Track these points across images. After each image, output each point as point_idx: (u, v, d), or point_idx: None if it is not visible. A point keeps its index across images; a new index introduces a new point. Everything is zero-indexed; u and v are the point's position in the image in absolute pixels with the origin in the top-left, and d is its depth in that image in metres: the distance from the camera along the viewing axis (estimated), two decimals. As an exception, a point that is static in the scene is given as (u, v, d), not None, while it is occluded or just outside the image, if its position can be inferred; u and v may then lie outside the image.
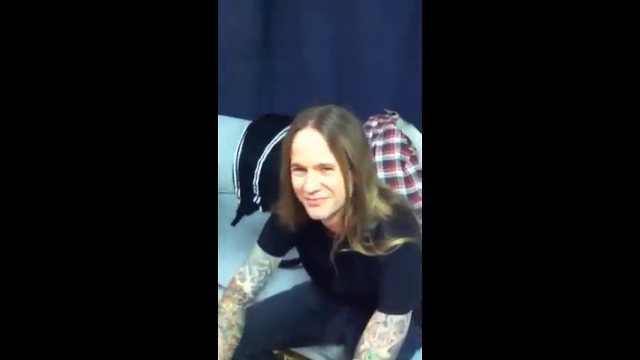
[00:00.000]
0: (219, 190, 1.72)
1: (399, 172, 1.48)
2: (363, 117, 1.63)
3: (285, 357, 1.44)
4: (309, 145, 0.92)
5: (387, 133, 1.54)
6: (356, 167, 0.93)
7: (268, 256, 1.14)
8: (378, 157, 1.51)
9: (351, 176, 0.93)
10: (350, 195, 0.95)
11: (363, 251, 0.97)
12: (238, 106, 1.88)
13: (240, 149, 1.80)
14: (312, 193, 0.93)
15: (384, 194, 1.00)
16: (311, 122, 0.92)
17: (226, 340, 1.05)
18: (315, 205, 0.95)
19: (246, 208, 1.74)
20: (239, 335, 1.08)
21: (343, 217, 0.99)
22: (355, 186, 0.94)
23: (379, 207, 0.97)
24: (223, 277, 1.37)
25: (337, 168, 0.92)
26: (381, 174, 1.49)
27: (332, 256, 1.02)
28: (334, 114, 0.93)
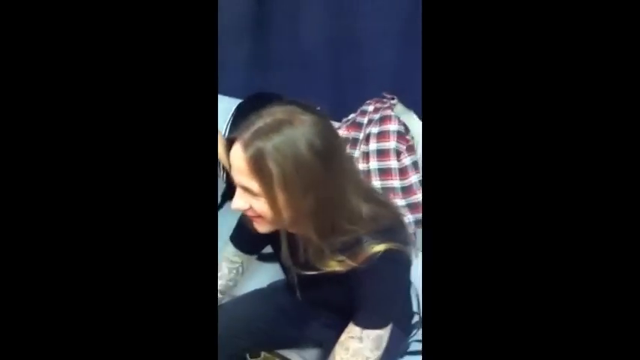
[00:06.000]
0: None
1: (393, 163, 1.38)
2: (361, 100, 1.53)
3: (262, 354, 1.36)
4: (234, 164, 0.80)
5: (383, 120, 1.43)
6: (295, 194, 0.79)
7: (240, 253, 1.07)
8: (372, 146, 1.42)
9: (286, 202, 0.79)
10: (289, 218, 0.82)
11: (335, 268, 0.86)
12: (234, 85, 1.79)
13: (227, 131, 1.70)
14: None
15: (367, 199, 0.87)
16: (243, 137, 0.78)
17: None
18: (253, 221, 0.86)
19: (231, 192, 1.66)
20: None
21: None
22: (300, 208, 0.80)
23: (355, 217, 0.84)
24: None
25: (266, 193, 0.79)
26: (374, 163, 1.40)
27: (295, 280, 0.94)
28: (277, 131, 0.77)
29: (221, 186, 1.68)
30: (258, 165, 0.76)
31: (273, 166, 0.76)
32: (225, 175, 1.74)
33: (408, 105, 1.50)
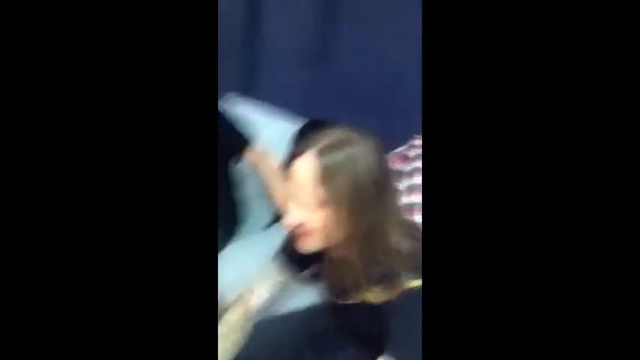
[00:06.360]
0: (257, 192, 1.69)
1: (435, 198, 1.39)
2: (406, 135, 1.56)
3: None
4: (298, 176, 0.82)
5: (430, 155, 1.45)
6: (352, 213, 0.81)
7: (283, 272, 1.10)
8: (417, 180, 1.43)
9: (342, 219, 0.82)
10: (339, 238, 0.85)
11: (370, 299, 0.88)
12: (285, 107, 1.86)
13: (285, 156, 1.77)
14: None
15: (406, 232, 0.88)
16: (313, 150, 0.81)
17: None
18: (299, 236, 0.87)
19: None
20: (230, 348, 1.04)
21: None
22: (351, 229, 0.83)
23: (391, 251, 0.85)
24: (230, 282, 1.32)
25: (325, 207, 0.81)
26: (417, 198, 1.41)
27: (329, 306, 0.94)
28: (342, 149, 0.81)
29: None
30: (326, 178, 0.79)
31: (340, 182, 0.79)
32: (272, 194, 1.81)
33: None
